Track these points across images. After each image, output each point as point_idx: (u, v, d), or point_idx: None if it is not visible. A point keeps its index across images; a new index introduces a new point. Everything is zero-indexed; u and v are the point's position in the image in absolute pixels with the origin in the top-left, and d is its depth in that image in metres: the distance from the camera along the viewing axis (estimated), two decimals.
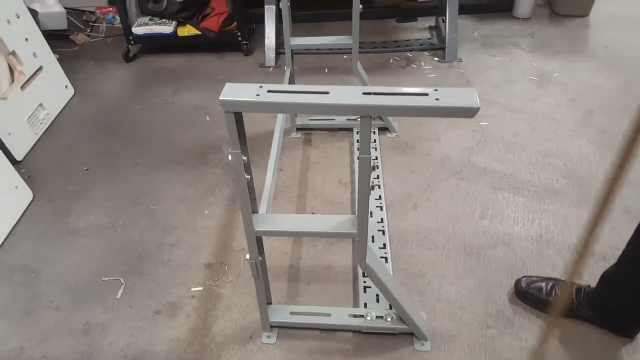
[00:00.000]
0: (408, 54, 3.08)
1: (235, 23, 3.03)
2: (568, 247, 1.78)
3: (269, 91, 1.04)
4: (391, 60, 3.03)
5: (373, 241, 1.81)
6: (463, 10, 3.31)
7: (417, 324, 1.46)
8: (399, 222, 1.91)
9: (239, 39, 3.03)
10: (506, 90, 2.64)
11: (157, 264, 1.82)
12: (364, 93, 1.01)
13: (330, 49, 2.97)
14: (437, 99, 0.98)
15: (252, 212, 1.27)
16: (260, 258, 1.37)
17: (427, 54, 3.07)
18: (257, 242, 1.32)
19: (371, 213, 1.92)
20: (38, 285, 1.78)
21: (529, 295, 1.58)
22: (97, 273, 1.80)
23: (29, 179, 2.20)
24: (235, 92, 1.04)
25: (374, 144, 2.28)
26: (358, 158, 1.12)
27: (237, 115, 1.06)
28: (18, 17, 2.40)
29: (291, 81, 2.17)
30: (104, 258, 1.86)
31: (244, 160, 1.15)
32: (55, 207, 2.10)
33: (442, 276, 1.71)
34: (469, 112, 0.97)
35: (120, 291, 1.73)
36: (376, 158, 2.19)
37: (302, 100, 1.01)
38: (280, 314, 1.55)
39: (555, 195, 1.99)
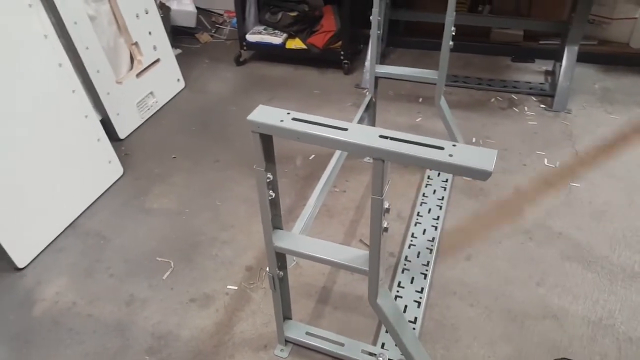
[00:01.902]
0: (513, 95, 2.93)
1: (340, 42, 3.12)
2: (629, 339, 1.57)
3: (293, 119, 1.08)
4: (493, 99, 2.90)
5: (412, 283, 1.76)
6: (587, 58, 3.08)
7: None
8: (447, 270, 1.84)
9: (341, 57, 3.12)
10: (612, 154, 2.39)
11: (205, 256, 1.95)
12: (380, 136, 1.01)
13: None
14: (450, 155, 0.95)
15: (275, 228, 1.32)
16: (280, 272, 1.41)
17: (534, 99, 2.89)
18: (277, 257, 1.37)
19: (419, 254, 1.87)
20: (103, 252, 2.00)
21: None
22: (153, 252, 1.98)
23: (124, 157, 2.48)
24: (263, 114, 1.10)
25: (445, 183, 2.21)
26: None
27: (263, 135, 1.12)
28: (146, 13, 2.73)
29: (369, 107, 2.19)
30: (163, 240, 2.04)
31: (269, 178, 1.20)
32: (138, 185, 2.34)
33: (475, 336, 1.61)
34: (481, 175, 0.93)
35: (167, 273, 1.89)
36: (442, 198, 2.12)
37: (319, 133, 1.04)
38: (297, 331, 1.58)
39: (632, 279, 1.77)
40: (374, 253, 1.19)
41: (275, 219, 1.31)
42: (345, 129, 1.04)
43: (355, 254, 1.27)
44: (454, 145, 0.97)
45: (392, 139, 1.00)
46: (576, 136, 2.53)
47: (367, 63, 3.05)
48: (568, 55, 2.77)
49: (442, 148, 0.97)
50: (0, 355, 1.64)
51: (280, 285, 1.45)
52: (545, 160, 2.37)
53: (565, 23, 2.86)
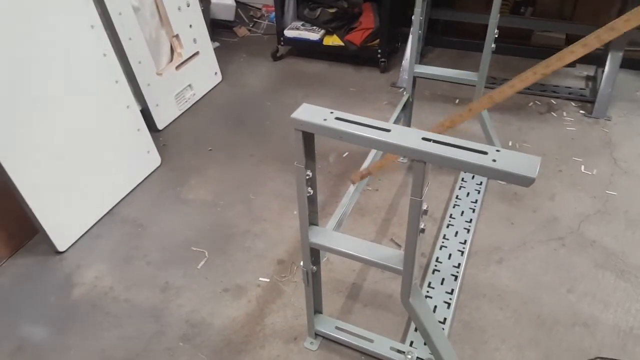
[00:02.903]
0: (552, 100, 2.88)
1: (378, 40, 3.12)
2: None
3: (336, 118, 1.10)
4: (531, 103, 2.86)
5: (442, 284, 1.77)
6: (631, 64, 3.00)
7: None
8: (478, 273, 1.83)
9: (378, 55, 3.12)
10: None
11: (238, 248, 1.99)
12: (423, 138, 1.02)
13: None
14: (494, 160, 0.95)
15: (311, 224, 1.35)
16: (314, 267, 1.44)
17: (573, 104, 2.84)
18: (312, 252, 1.39)
19: (450, 255, 1.87)
20: (140, 239, 2.06)
21: None
22: (189, 241, 2.03)
23: (162, 147, 2.55)
24: (307, 112, 1.12)
25: (479, 186, 2.19)
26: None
27: (305, 133, 1.14)
28: (188, 6, 2.78)
29: (406, 106, 2.19)
30: (198, 230, 2.09)
31: (309, 175, 1.23)
32: (175, 176, 2.40)
33: (504, 340, 1.61)
34: (524, 181, 0.93)
35: (202, 262, 1.93)
36: (475, 201, 2.11)
37: (362, 133, 1.06)
38: (327, 325, 1.61)
39: None
40: (409, 253, 1.20)
41: (312, 215, 1.34)
42: (389, 130, 1.05)
43: (389, 253, 1.29)
44: (497, 151, 0.98)
45: (434, 141, 1.01)
46: (615, 144, 2.48)
47: (405, 62, 3.04)
48: (611, 61, 2.70)
49: (485, 153, 0.97)
50: (41, 335, 1.71)
51: (313, 280, 1.48)
52: (582, 167, 2.33)
53: None
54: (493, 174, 0.95)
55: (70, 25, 1.97)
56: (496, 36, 1.94)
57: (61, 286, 1.88)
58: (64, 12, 1.94)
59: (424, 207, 1.12)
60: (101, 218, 2.16)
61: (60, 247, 2.00)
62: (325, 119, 1.10)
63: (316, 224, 1.37)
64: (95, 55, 2.08)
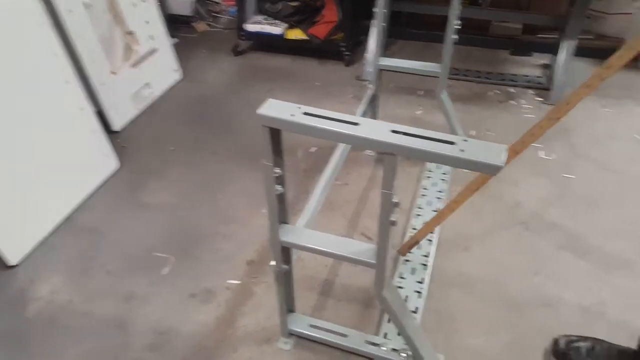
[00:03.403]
0: (511, 89, 2.94)
1: (341, 33, 3.10)
2: (619, 325, 1.61)
3: (304, 113, 1.07)
4: (491, 92, 2.91)
5: (413, 273, 1.77)
6: (584, 52, 3.08)
7: None
8: (446, 261, 1.85)
9: (342, 49, 3.10)
10: (606, 146, 2.43)
11: (206, 250, 1.94)
12: (392, 131, 1.01)
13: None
14: (461, 150, 0.95)
15: (281, 223, 1.32)
16: (286, 267, 1.41)
17: (531, 92, 2.91)
18: (283, 251, 1.37)
19: (420, 245, 1.88)
20: (99, 248, 1.97)
21: (569, 357, 1.48)
22: (152, 247, 1.96)
23: (121, 149, 2.45)
24: (274, 108, 1.09)
25: (445, 176, 2.21)
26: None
27: (272, 130, 1.11)
28: (144, 1, 2.68)
29: (373, 99, 2.18)
30: (162, 235, 2.02)
31: (277, 173, 1.20)
32: (134, 179, 2.31)
33: (475, 325, 1.63)
34: (492, 170, 0.93)
35: (167, 268, 1.87)
36: (442, 191, 2.13)
37: (331, 128, 1.03)
38: (300, 324, 1.59)
39: (625, 268, 1.81)
40: (381, 246, 1.19)
41: (282, 214, 1.31)
42: (357, 124, 1.03)
43: (362, 247, 1.27)
44: (464, 140, 0.97)
45: (404, 133, 1.00)
46: (572, 129, 2.55)
47: (368, 55, 3.03)
48: (565, 49, 2.78)
49: (453, 143, 0.97)
50: None
51: (285, 279, 1.45)
52: (542, 153, 2.39)
53: (563, 17, 2.87)
54: (461, 163, 0.95)
55: (15, 24, 1.85)
56: (459, 27, 1.95)
57: (13, 303, 1.76)
58: (7, 9, 1.82)
59: (395, 199, 1.11)
60: (57, 227, 2.04)
61: (12, 261, 1.87)
62: (292, 114, 1.07)
63: (287, 222, 1.35)
64: (44, 55, 1.97)
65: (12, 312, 1.73)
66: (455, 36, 1.97)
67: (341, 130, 1.03)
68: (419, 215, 2.01)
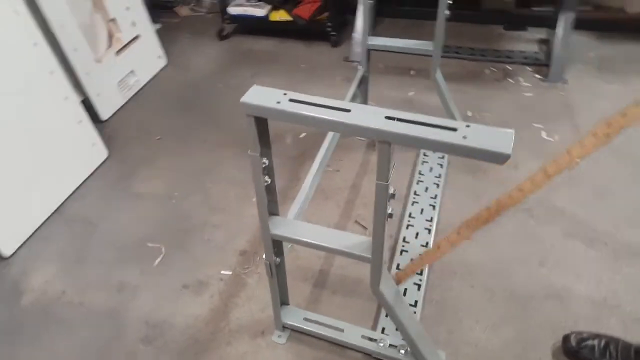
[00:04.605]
0: (508, 66, 2.85)
1: (327, 13, 3.00)
2: (637, 320, 1.53)
3: (290, 100, 1.00)
4: (487, 70, 2.82)
5: None
6: (582, 25, 2.98)
7: None
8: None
9: (328, 29, 3.00)
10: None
11: (197, 241, 1.88)
12: (386, 117, 0.94)
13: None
14: (464, 137, 0.88)
15: (271, 214, 1.26)
16: (277, 259, 1.35)
17: (529, 69, 2.82)
18: (274, 244, 1.30)
19: (417, 234, 1.82)
20: (91, 238, 1.93)
21: (581, 356, 1.41)
22: (144, 237, 1.91)
23: (108, 139, 2.38)
24: (258, 95, 1.02)
25: (442, 160, 2.14)
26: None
27: (257, 118, 1.04)
28: None
29: (363, 81, 2.10)
30: (153, 225, 1.96)
31: (265, 163, 1.13)
32: (124, 169, 2.25)
33: (477, 318, 1.57)
34: (498, 158, 0.86)
35: (159, 259, 1.82)
36: (439, 176, 2.06)
37: (321, 115, 0.96)
38: (295, 317, 1.54)
39: (637, 257, 1.73)
40: (377, 240, 1.13)
41: (272, 205, 1.25)
42: (348, 110, 0.96)
43: (356, 241, 1.21)
44: (467, 126, 0.90)
45: (399, 120, 0.93)
46: (574, 108, 2.47)
47: (355, 34, 2.93)
48: (563, 23, 2.66)
49: (454, 129, 0.90)
50: None
51: (277, 272, 1.39)
52: (544, 134, 2.31)
53: None
54: (464, 152, 0.88)
55: None
56: (450, 2, 1.85)
57: (8, 294, 1.75)
58: None
59: (391, 191, 1.05)
60: (49, 217, 2.02)
61: (6, 252, 1.86)
62: (278, 102, 1.00)
63: (277, 214, 1.28)
64: (24, 45, 1.90)
65: (7, 303, 1.72)
66: (447, 11, 1.88)
67: (331, 118, 0.95)
68: (415, 202, 1.95)
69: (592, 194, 1.98)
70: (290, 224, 1.28)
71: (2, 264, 1.85)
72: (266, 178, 1.16)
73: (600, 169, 2.10)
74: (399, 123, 0.93)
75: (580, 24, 2.86)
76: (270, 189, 1.20)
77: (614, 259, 1.73)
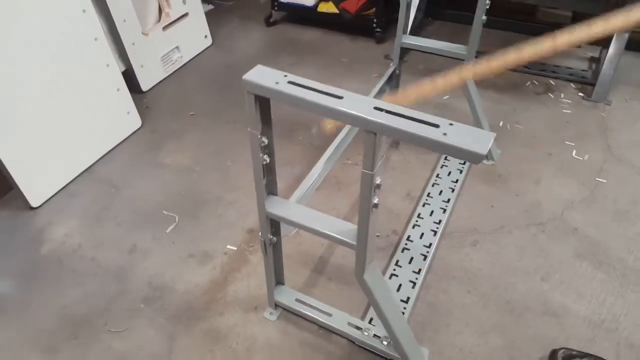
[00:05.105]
0: (551, 80, 2.77)
1: (374, 9, 3.01)
2: (630, 345, 1.50)
3: (289, 82, 1.04)
4: (528, 83, 2.76)
5: (410, 263, 1.72)
6: (637, 46, 2.86)
7: (410, 357, 1.38)
8: (450, 254, 1.79)
9: (374, 25, 3.01)
10: None
11: (210, 214, 1.96)
12: (374, 108, 0.96)
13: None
14: (444, 134, 0.90)
15: (270, 194, 1.30)
16: (273, 238, 1.40)
17: (573, 86, 2.73)
18: (272, 223, 1.35)
19: (422, 235, 1.82)
20: (113, 200, 2.04)
21: None
22: (161, 205, 2.00)
23: (144, 109, 2.50)
24: (260, 74, 1.06)
25: (462, 166, 2.13)
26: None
27: (258, 97, 1.08)
28: None
29: (392, 78, 2.11)
30: (172, 194, 2.05)
31: (264, 142, 1.18)
32: (154, 139, 2.36)
33: (468, 323, 1.57)
34: (473, 157, 0.87)
35: (171, 227, 1.91)
36: (456, 181, 2.05)
37: (313, 99, 1.00)
38: (287, 296, 1.58)
39: None
40: (362, 229, 1.15)
41: (270, 185, 1.29)
42: (341, 97, 0.99)
43: (344, 227, 1.24)
44: (450, 124, 0.92)
45: (387, 112, 0.95)
46: (611, 130, 2.38)
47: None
48: (616, 42, 2.57)
49: (437, 126, 0.91)
50: (5, 289, 1.71)
51: (274, 251, 1.44)
52: (574, 152, 2.24)
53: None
54: (442, 148, 0.89)
55: None
56: (487, 7, 1.84)
57: (31, 241, 1.87)
58: None
59: (377, 181, 1.07)
60: (78, 176, 2.15)
61: (34, 203, 1.99)
62: (277, 82, 1.04)
63: (275, 194, 1.33)
64: (74, 11, 2.01)
65: (29, 250, 1.85)
66: (485, 17, 1.86)
67: (322, 103, 0.99)
68: (427, 204, 1.95)
69: (611, 216, 1.92)
70: (286, 205, 1.32)
71: (29, 213, 1.99)
72: (265, 157, 1.21)
73: (624, 190, 2.04)
74: (386, 114, 0.95)
75: (635, 46, 2.75)
76: (269, 168, 1.25)
77: (620, 284, 1.68)
